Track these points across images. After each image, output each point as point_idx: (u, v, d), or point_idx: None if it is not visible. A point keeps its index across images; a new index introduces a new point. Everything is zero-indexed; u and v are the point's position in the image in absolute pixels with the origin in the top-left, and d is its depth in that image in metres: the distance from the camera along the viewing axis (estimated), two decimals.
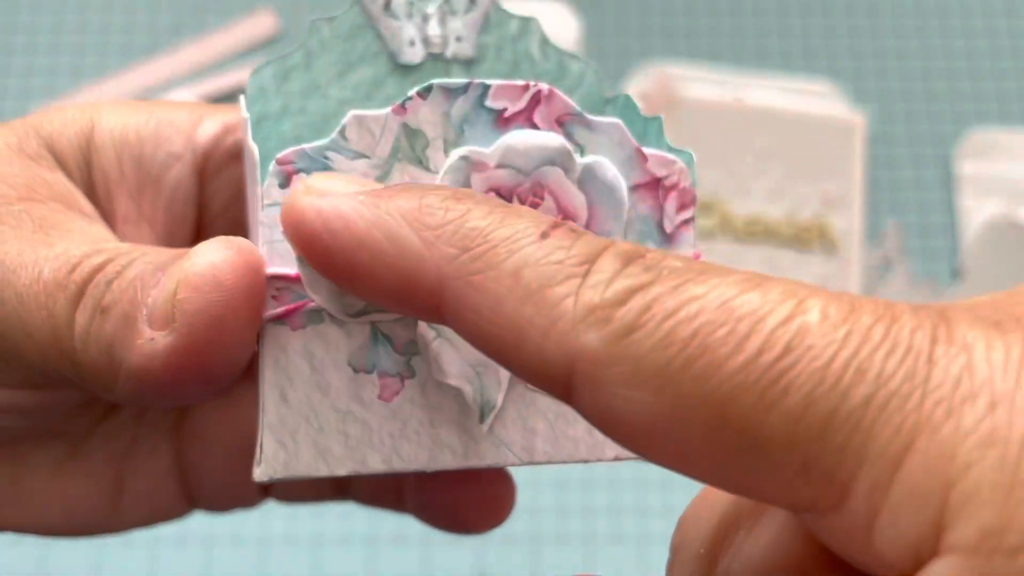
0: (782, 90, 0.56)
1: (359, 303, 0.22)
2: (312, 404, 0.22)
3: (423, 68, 0.23)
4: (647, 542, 0.48)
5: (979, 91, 0.59)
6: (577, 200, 0.22)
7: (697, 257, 0.22)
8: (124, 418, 0.27)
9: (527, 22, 0.24)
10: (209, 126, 0.24)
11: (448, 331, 0.22)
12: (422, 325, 0.22)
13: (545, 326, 0.16)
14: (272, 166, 0.22)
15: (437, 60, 0.23)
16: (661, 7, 0.60)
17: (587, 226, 0.22)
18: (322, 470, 0.22)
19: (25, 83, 0.57)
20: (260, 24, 0.58)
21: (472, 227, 0.17)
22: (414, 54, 0.23)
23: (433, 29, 0.23)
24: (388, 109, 0.22)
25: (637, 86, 0.56)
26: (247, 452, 0.23)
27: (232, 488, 0.28)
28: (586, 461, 0.23)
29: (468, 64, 0.24)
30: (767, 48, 0.59)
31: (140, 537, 0.46)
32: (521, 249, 0.17)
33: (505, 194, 0.22)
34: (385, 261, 0.18)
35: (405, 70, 0.23)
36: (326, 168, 0.22)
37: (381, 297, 0.18)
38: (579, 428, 0.23)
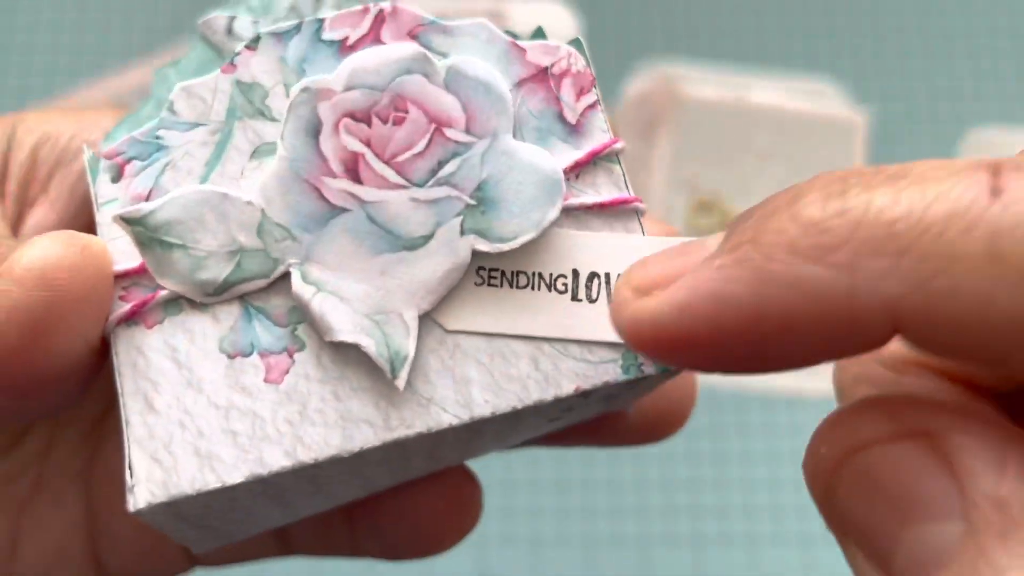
0: (783, 89, 0.56)
1: (218, 278, 0.19)
2: (185, 406, 0.19)
3: None
4: (647, 543, 0.48)
5: (981, 91, 0.58)
6: (447, 104, 0.20)
7: (615, 143, 0.21)
8: (26, 456, 0.23)
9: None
10: None
11: (331, 284, 0.19)
12: (296, 282, 0.19)
13: None
14: (102, 162, 0.20)
15: None
16: (661, 6, 0.60)
17: (468, 128, 0.20)
18: (211, 481, 0.18)
19: (23, 82, 0.57)
20: None
21: (890, 218, 0.14)
22: None
23: None
24: (217, 71, 0.20)
25: (637, 86, 0.56)
26: None
27: (149, 550, 0.23)
28: (540, 403, 0.19)
29: None
30: (768, 47, 0.59)
31: None
32: (981, 216, 0.14)
33: (361, 116, 0.20)
34: (801, 318, 0.15)
35: None
36: (160, 149, 0.20)
37: (809, 359, 0.15)
38: (522, 365, 0.20)
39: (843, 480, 0.15)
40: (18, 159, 0.22)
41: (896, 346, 0.18)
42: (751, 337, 0.15)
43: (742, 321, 0.15)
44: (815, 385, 0.50)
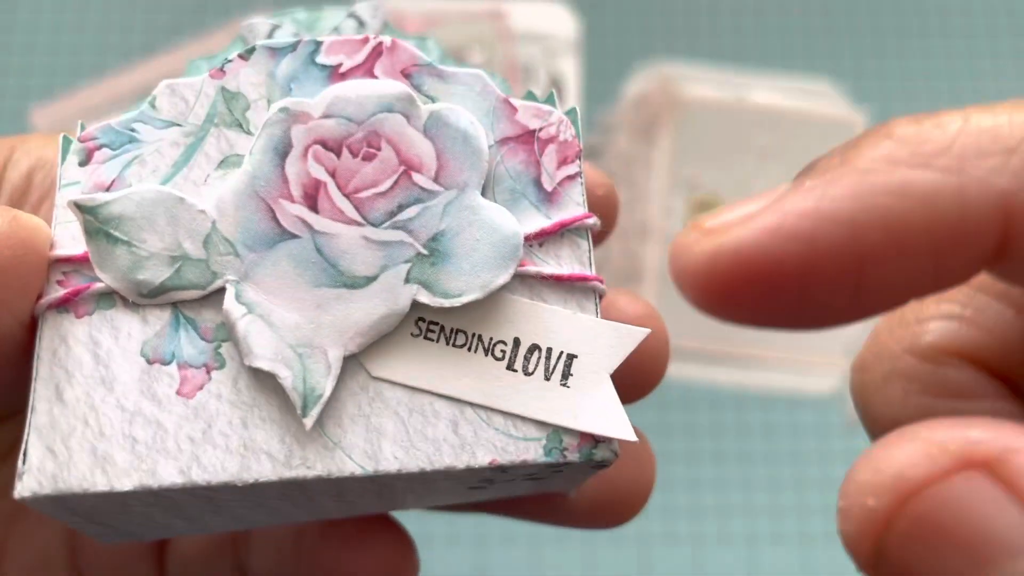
0: (782, 90, 0.56)
1: (155, 280, 0.19)
2: (92, 402, 0.19)
3: None
4: (647, 542, 0.48)
5: (979, 91, 0.58)
6: (422, 149, 0.20)
7: (587, 218, 0.20)
8: (12, 474, 0.22)
9: (423, 41, 0.22)
10: None
11: (263, 307, 0.19)
12: (229, 299, 0.19)
13: None
14: (73, 144, 0.20)
15: None
16: (661, 7, 0.60)
17: (437, 177, 0.20)
18: (100, 483, 0.18)
19: (24, 82, 0.57)
20: None
21: (991, 125, 0.14)
22: None
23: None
24: (205, 74, 0.21)
25: (637, 86, 0.56)
26: None
27: (124, 565, 0.23)
28: (451, 469, 0.19)
29: None
30: (767, 48, 0.59)
31: None
32: None
33: (332, 146, 0.20)
34: (909, 225, 0.14)
35: None
36: (132, 141, 0.20)
37: (907, 284, 0.15)
38: (440, 426, 0.19)
39: (900, 533, 0.13)
40: (12, 181, 0.22)
41: (932, 336, 0.18)
42: (848, 257, 0.14)
43: (842, 237, 0.14)
44: (814, 385, 0.50)
